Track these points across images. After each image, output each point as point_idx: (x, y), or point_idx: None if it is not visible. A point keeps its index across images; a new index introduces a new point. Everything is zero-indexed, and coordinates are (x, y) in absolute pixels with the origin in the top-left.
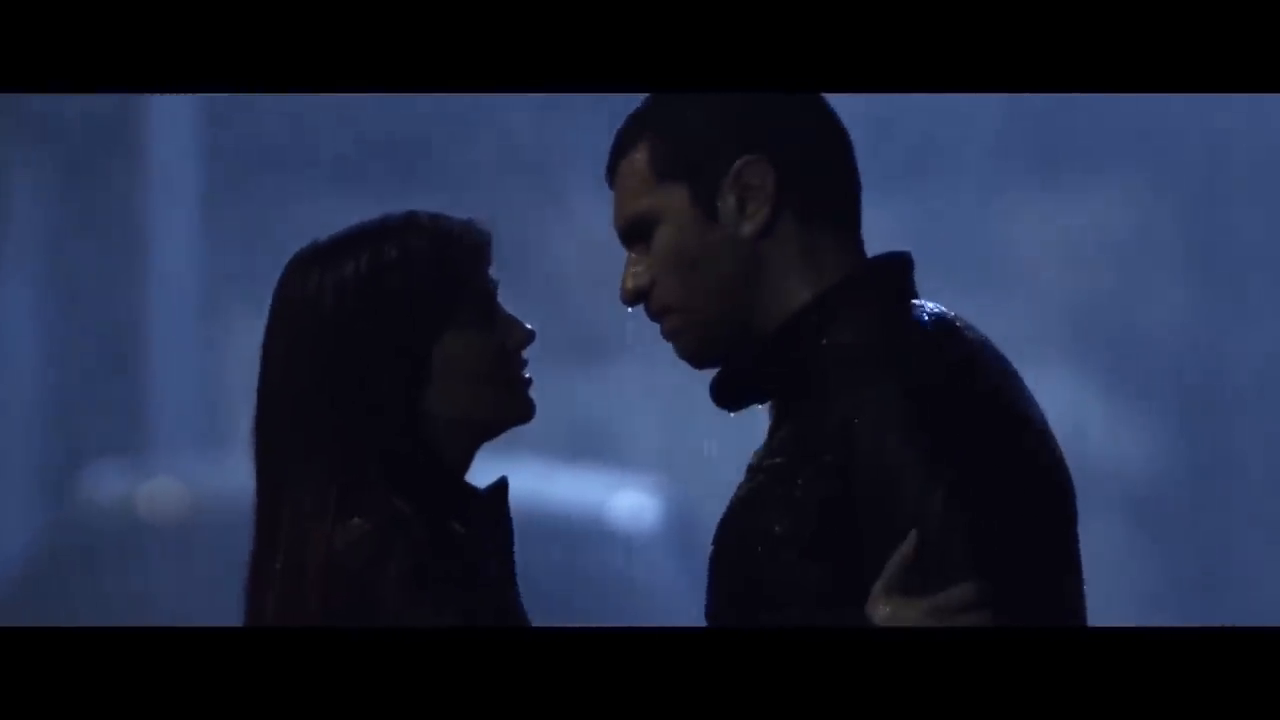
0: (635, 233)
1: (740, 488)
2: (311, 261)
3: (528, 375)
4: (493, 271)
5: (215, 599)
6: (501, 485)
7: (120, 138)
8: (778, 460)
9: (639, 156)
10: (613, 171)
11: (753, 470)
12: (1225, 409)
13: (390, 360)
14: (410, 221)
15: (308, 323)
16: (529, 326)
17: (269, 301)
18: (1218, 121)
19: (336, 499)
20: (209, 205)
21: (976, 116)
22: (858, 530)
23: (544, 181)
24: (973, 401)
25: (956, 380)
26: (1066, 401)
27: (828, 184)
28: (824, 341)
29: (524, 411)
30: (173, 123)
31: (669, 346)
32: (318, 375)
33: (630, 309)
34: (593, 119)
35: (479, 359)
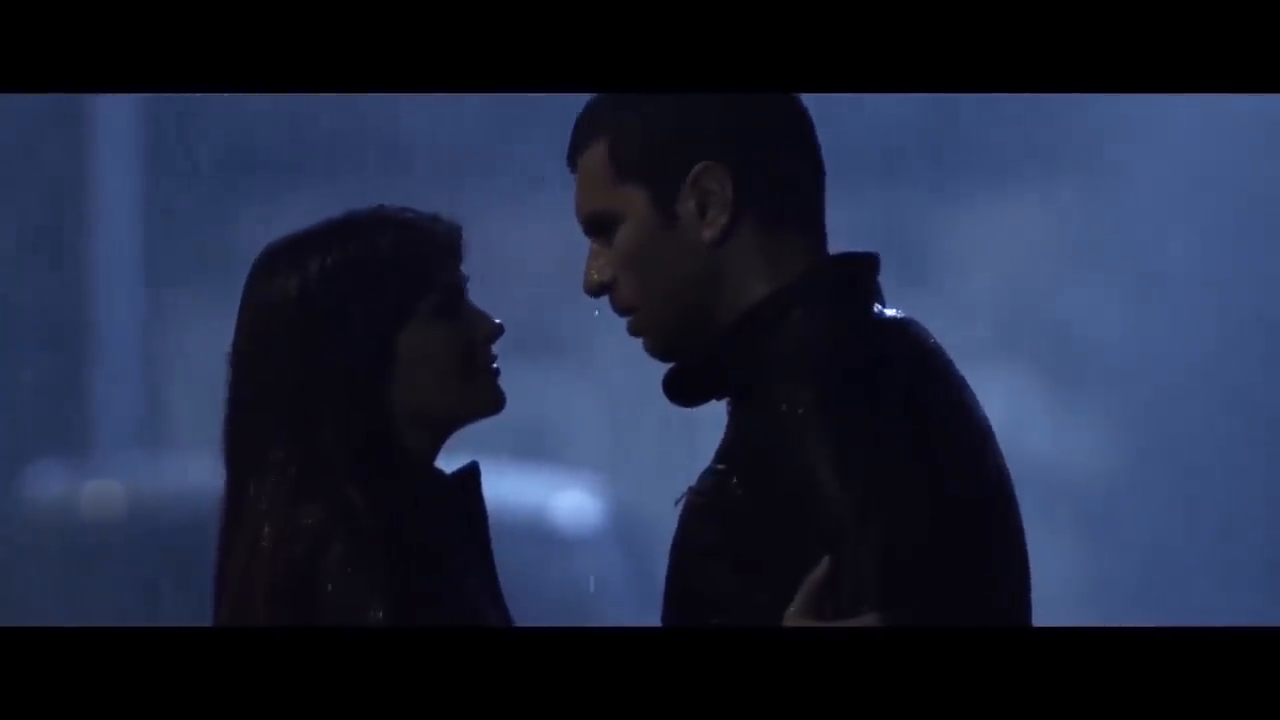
0: (597, 227)
1: (689, 492)
2: (278, 258)
3: (496, 367)
4: (464, 267)
5: (158, 599)
6: (471, 471)
7: (62, 136)
8: (717, 466)
9: (599, 153)
10: (573, 161)
11: (702, 475)
12: (1164, 407)
13: (355, 355)
14: (379, 218)
15: (274, 319)
16: (497, 321)
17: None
18: (1156, 123)
19: (292, 491)
20: (152, 205)
21: (916, 117)
22: (780, 541)
23: (491, 179)
24: (904, 408)
25: (891, 386)
26: (1005, 401)
27: (788, 184)
28: (774, 339)
29: (493, 402)
30: (115, 121)
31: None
32: (283, 370)
33: (595, 299)
34: (540, 113)
35: (445, 353)
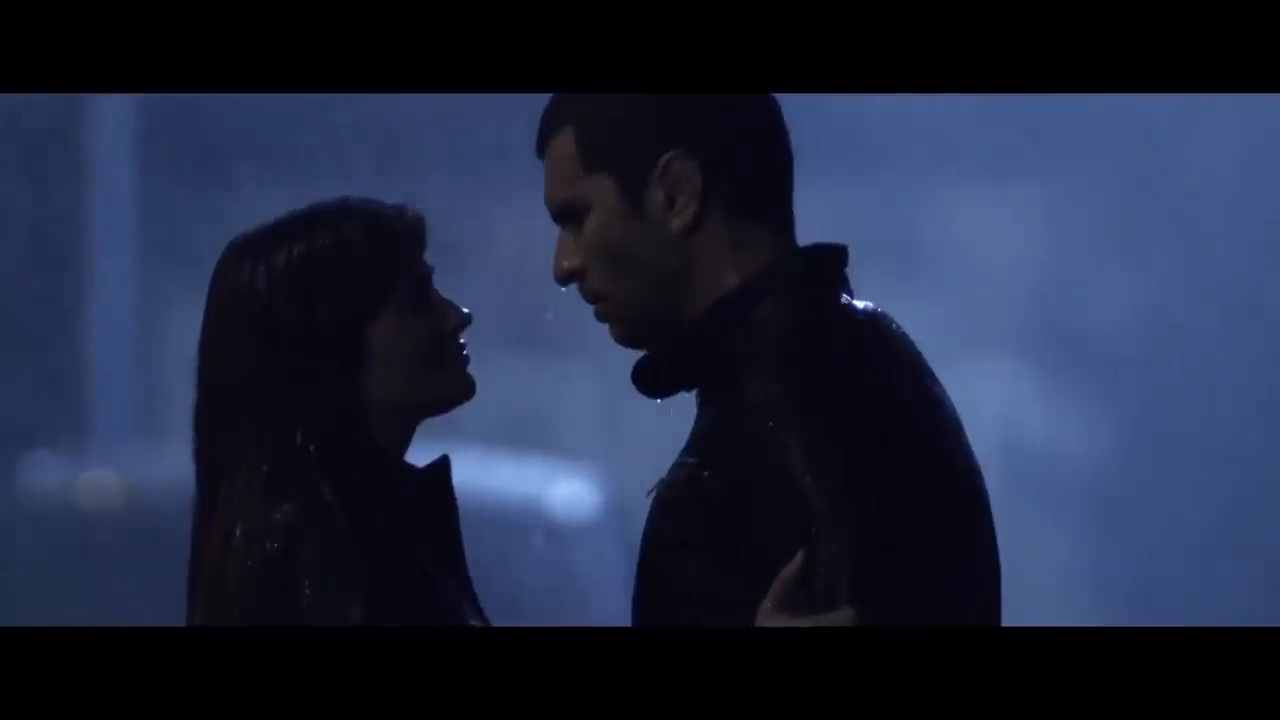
0: (566, 216)
1: (660, 484)
2: (245, 251)
3: (465, 355)
4: (428, 256)
5: (153, 591)
6: (442, 464)
7: (59, 128)
8: (687, 459)
9: (567, 142)
10: (541, 149)
11: (672, 467)
12: (1163, 402)
13: (325, 348)
14: (344, 208)
15: (242, 312)
16: (465, 310)
17: (207, 291)
18: (1157, 116)
19: (265, 488)
20: (147, 197)
21: (920, 109)
22: (751, 534)
23: (482, 169)
24: (875, 400)
25: (862, 378)
26: (1008, 393)
27: (757, 173)
28: (743, 330)
29: (463, 389)
30: (112, 114)
31: (607, 333)
32: (253, 364)
33: (564, 289)
34: (535, 101)
35: (415, 343)
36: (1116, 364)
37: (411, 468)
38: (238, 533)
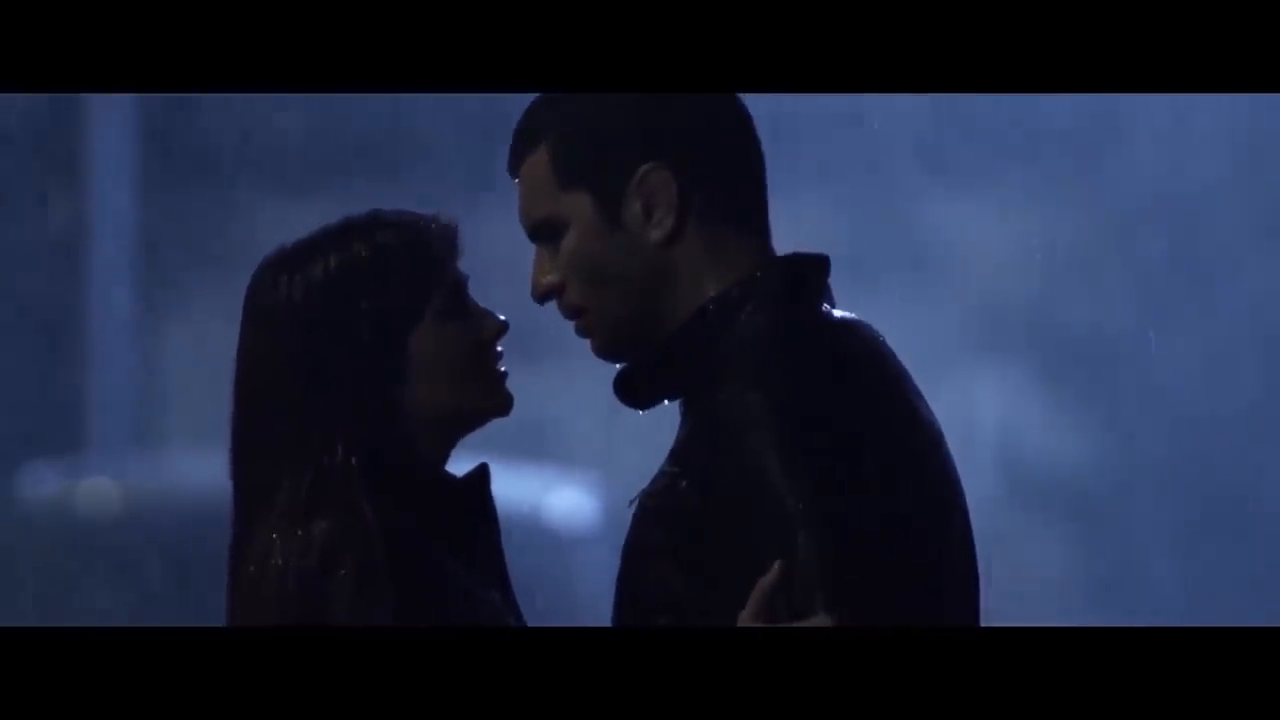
0: (543, 234)
1: (641, 494)
2: (280, 265)
3: (503, 368)
4: (461, 264)
5: (151, 597)
6: (481, 474)
7: (58, 133)
8: (668, 468)
9: (540, 160)
10: (515, 169)
11: (654, 477)
12: (1159, 409)
13: (365, 359)
14: (376, 219)
15: (281, 327)
16: (502, 318)
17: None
18: (1146, 124)
19: (305, 502)
20: (147, 203)
21: (911, 116)
22: (729, 541)
23: (480, 174)
24: (852, 408)
25: (839, 386)
26: (1005, 398)
27: (733, 182)
28: (722, 339)
29: (503, 403)
30: (111, 119)
31: None
32: (292, 378)
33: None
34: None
35: (456, 352)
36: (1114, 368)
37: (452, 477)
38: (276, 549)
